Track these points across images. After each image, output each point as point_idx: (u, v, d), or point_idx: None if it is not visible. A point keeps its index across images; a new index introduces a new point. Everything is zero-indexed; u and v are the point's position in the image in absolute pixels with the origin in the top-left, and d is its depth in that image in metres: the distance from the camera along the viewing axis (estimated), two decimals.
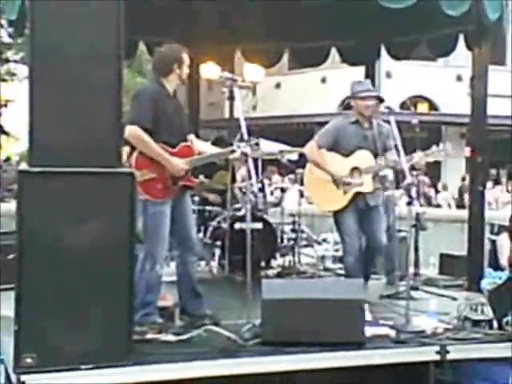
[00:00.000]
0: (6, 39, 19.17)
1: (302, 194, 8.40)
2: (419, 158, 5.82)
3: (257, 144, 5.16)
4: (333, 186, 5.90)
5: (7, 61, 21.46)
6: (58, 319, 4.00)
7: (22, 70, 19.79)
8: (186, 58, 5.22)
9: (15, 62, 21.36)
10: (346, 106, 23.15)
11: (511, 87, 13.51)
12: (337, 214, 5.91)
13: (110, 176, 4.10)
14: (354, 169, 5.86)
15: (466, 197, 12.00)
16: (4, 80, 21.46)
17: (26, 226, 3.97)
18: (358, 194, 5.85)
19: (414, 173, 6.35)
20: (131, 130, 4.90)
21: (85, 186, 4.04)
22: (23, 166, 18.56)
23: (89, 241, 4.04)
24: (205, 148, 5.41)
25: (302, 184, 8.08)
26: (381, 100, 5.99)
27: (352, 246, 5.81)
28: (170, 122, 5.10)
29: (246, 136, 5.08)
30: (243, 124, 5.09)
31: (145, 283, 4.96)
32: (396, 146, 5.55)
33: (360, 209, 5.90)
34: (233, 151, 5.24)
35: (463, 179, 17.66)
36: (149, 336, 4.76)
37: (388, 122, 6.08)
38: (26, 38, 4.14)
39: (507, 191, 17.56)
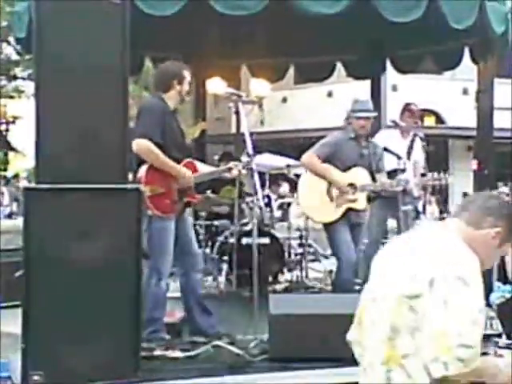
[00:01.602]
0: (14, 56, 19.32)
1: None
2: (414, 184, 5.88)
3: (251, 169, 5.15)
4: (326, 199, 5.90)
5: (15, 78, 21.58)
6: (65, 336, 4.00)
7: (30, 87, 19.89)
8: (186, 74, 5.21)
9: (23, 78, 21.47)
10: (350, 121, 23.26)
11: None
12: (330, 227, 5.90)
13: (117, 192, 4.10)
14: (350, 185, 5.86)
15: None
16: (12, 97, 21.58)
17: (33, 243, 3.97)
18: (349, 209, 5.86)
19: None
20: (141, 144, 4.90)
21: (91, 202, 4.04)
22: (23, 182, 18.67)
23: (96, 257, 4.03)
24: (201, 167, 5.42)
25: None
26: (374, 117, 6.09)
27: (350, 258, 5.76)
28: (175, 138, 5.12)
29: (251, 151, 5.09)
30: (248, 139, 5.11)
31: (151, 299, 4.95)
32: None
33: (351, 224, 5.90)
34: (230, 169, 5.31)
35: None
36: (156, 352, 4.74)
37: (420, 137, 6.10)
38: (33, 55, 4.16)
39: None
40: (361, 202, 5.88)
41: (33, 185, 4.08)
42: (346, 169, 5.90)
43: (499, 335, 5.11)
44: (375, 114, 6.13)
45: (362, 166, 5.91)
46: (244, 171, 5.28)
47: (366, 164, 5.92)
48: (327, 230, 5.95)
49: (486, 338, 5.09)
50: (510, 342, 5.00)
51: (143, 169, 4.96)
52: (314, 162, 5.93)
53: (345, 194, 5.82)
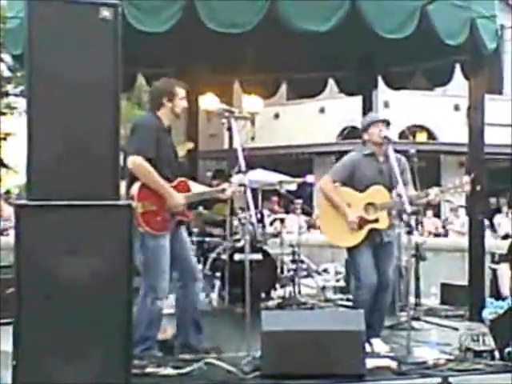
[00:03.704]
0: (6, 73, 19.30)
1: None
2: (434, 195, 5.69)
3: (243, 186, 5.15)
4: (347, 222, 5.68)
5: (7, 94, 21.55)
6: (56, 354, 3.96)
7: (22, 104, 19.86)
8: (179, 91, 5.20)
9: (15, 95, 21.45)
10: (345, 136, 23.32)
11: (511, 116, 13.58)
12: (351, 249, 5.71)
13: (108, 208, 4.08)
14: (369, 204, 5.66)
15: None
16: (4, 113, 21.53)
17: (24, 260, 3.95)
18: (373, 229, 5.67)
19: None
20: (136, 161, 4.92)
21: (83, 218, 4.03)
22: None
23: (87, 274, 4.01)
24: (193, 186, 5.41)
25: (304, 213, 7.82)
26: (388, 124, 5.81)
27: (368, 281, 5.59)
28: (168, 155, 5.13)
29: (243, 168, 5.10)
30: (241, 156, 5.11)
31: (146, 317, 4.93)
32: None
33: (375, 244, 5.71)
34: (223, 190, 5.31)
35: None
36: (148, 370, 4.72)
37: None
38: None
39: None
40: (383, 222, 5.67)
41: (24, 201, 4.06)
42: (364, 188, 5.69)
43: (492, 351, 5.12)
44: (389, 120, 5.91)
45: (382, 182, 5.70)
46: (237, 192, 5.26)
47: (385, 180, 5.68)
48: (348, 252, 5.78)
49: (478, 354, 5.11)
50: None
51: (136, 185, 4.96)
52: (329, 190, 5.72)
53: (363, 216, 5.61)
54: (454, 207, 16.84)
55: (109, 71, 4.11)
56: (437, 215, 19.12)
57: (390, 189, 5.69)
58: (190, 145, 7.78)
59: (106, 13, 4.09)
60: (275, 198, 16.32)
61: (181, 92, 5.22)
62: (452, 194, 5.94)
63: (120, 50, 4.12)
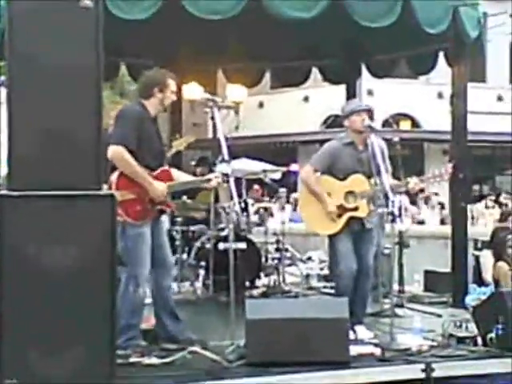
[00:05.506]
0: None
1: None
2: (414, 183, 5.73)
3: (226, 175, 5.14)
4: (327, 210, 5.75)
5: None
6: (39, 343, 3.96)
7: (3, 94, 19.72)
8: (170, 83, 5.18)
9: None
10: (329, 124, 23.36)
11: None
12: (332, 237, 5.78)
13: (91, 198, 4.06)
14: (349, 192, 5.71)
15: None
16: None
17: (7, 250, 3.93)
18: (352, 218, 5.71)
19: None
20: (116, 151, 4.89)
21: (65, 208, 4.00)
22: None
23: (70, 264, 4.00)
24: (178, 175, 5.39)
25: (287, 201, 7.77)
26: (370, 113, 5.82)
27: (348, 268, 5.63)
28: (151, 145, 5.10)
29: (226, 157, 5.09)
30: (224, 145, 5.11)
31: (128, 306, 4.92)
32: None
33: (355, 231, 5.75)
34: (209, 180, 5.29)
35: None
36: (132, 359, 4.71)
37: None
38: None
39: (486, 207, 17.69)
40: (362, 210, 5.70)
41: (5, 192, 4.04)
42: (344, 177, 5.74)
43: (474, 337, 5.16)
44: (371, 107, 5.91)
45: (361, 171, 5.72)
46: (222, 183, 5.25)
47: (365, 169, 5.71)
48: (329, 239, 5.85)
49: (461, 340, 5.15)
50: None
51: (115, 174, 4.95)
52: (310, 181, 5.80)
53: (343, 205, 5.65)
54: (426, 195, 16.89)
55: (90, 60, 4.08)
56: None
57: (369, 177, 5.70)
58: (192, 138, 7.79)
59: (86, 1, 4.06)
60: (256, 187, 16.33)
61: (173, 85, 5.20)
62: (432, 183, 5.97)
63: (102, 38, 4.09)
